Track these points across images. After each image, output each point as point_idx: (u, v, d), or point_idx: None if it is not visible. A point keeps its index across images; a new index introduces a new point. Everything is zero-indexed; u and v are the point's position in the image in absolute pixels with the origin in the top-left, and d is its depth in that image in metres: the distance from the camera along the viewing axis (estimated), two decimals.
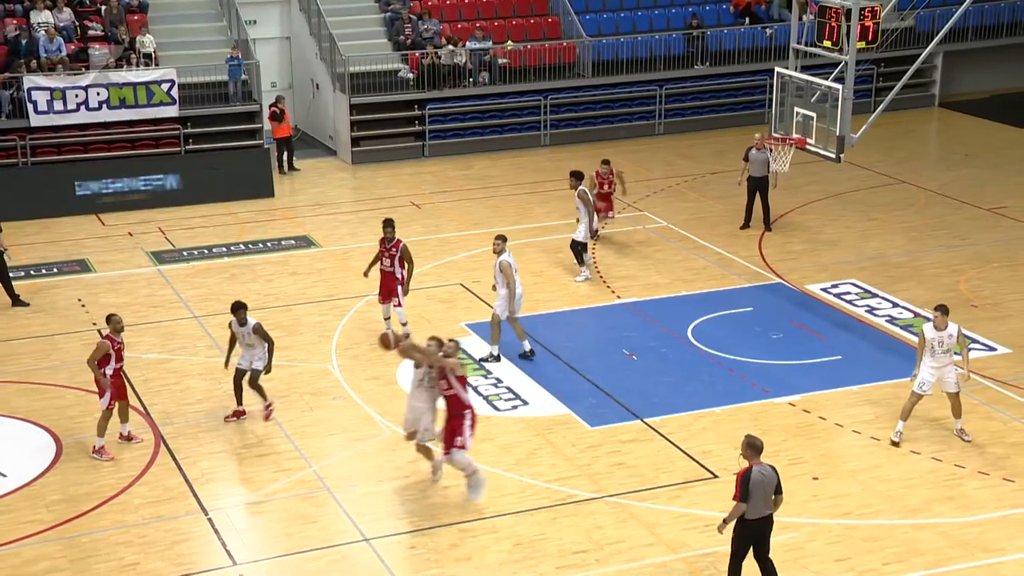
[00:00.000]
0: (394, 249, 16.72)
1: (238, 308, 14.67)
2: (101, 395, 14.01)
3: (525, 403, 15.44)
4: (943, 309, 14.12)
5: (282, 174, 25.02)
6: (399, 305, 16.85)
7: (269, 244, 21.25)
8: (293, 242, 21.33)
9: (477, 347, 16.75)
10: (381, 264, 16.89)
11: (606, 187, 20.54)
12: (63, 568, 12.12)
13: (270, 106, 25.14)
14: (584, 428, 14.81)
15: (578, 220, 19.31)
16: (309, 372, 16.19)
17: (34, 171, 23.26)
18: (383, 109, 26.02)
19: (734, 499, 11.03)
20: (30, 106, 23.38)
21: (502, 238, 16.40)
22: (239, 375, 14.88)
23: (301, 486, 13.52)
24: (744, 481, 10.95)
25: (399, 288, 16.80)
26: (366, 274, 17.22)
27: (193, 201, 23.13)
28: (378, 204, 23.10)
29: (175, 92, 24.09)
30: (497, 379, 16.03)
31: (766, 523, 11.16)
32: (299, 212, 22.96)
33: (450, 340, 13.16)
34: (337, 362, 16.57)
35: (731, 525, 11.21)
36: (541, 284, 19.18)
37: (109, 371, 13.97)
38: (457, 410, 13.01)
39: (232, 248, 21.01)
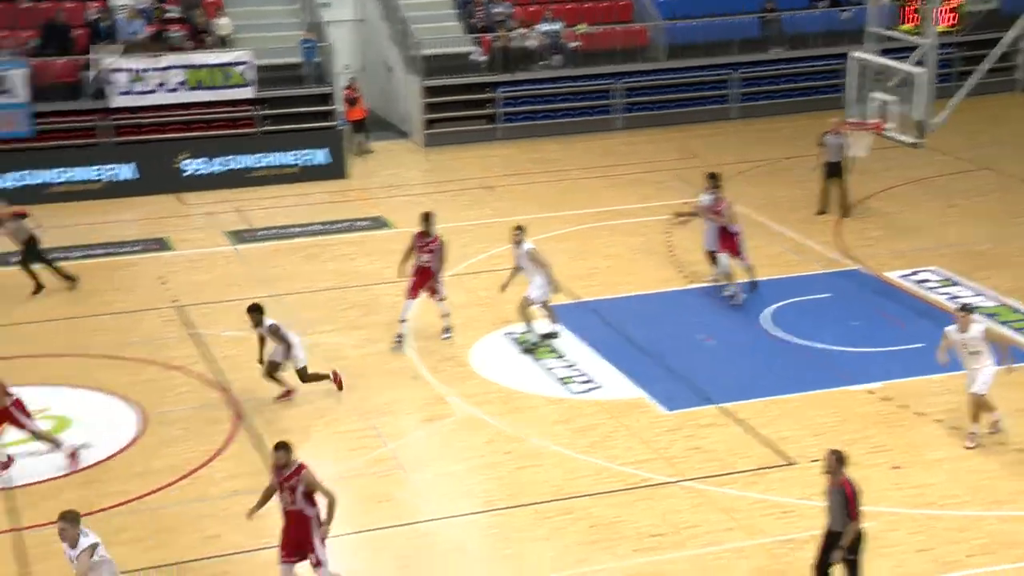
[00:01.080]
0: (433, 244, 16.15)
1: (252, 310, 14.65)
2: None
3: (599, 386, 15.40)
4: (967, 308, 13.58)
5: (356, 156, 25.18)
6: (443, 299, 16.36)
7: (344, 225, 21.39)
8: (368, 223, 21.45)
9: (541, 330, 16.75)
10: (418, 259, 16.18)
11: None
12: (144, 538, 12.33)
13: (344, 89, 25.29)
14: (659, 412, 14.74)
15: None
16: (383, 353, 16.28)
17: (113, 150, 23.64)
18: (455, 92, 26.06)
19: (852, 518, 10.56)
20: (111, 87, 23.77)
21: (521, 228, 16.20)
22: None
23: (378, 465, 13.62)
24: (855, 496, 10.52)
25: (438, 284, 16.29)
26: (400, 272, 16.46)
27: (269, 182, 23.43)
28: (450, 186, 23.16)
29: (250, 74, 24.32)
30: (571, 362, 16.01)
31: None
32: (373, 194, 23.09)
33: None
34: (413, 343, 16.65)
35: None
36: (614, 268, 19.10)
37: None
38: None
39: (307, 228, 21.20)
